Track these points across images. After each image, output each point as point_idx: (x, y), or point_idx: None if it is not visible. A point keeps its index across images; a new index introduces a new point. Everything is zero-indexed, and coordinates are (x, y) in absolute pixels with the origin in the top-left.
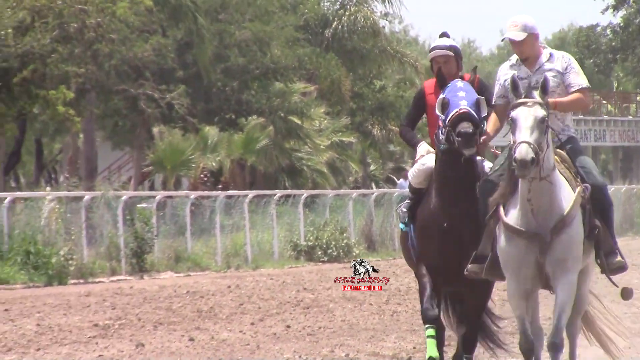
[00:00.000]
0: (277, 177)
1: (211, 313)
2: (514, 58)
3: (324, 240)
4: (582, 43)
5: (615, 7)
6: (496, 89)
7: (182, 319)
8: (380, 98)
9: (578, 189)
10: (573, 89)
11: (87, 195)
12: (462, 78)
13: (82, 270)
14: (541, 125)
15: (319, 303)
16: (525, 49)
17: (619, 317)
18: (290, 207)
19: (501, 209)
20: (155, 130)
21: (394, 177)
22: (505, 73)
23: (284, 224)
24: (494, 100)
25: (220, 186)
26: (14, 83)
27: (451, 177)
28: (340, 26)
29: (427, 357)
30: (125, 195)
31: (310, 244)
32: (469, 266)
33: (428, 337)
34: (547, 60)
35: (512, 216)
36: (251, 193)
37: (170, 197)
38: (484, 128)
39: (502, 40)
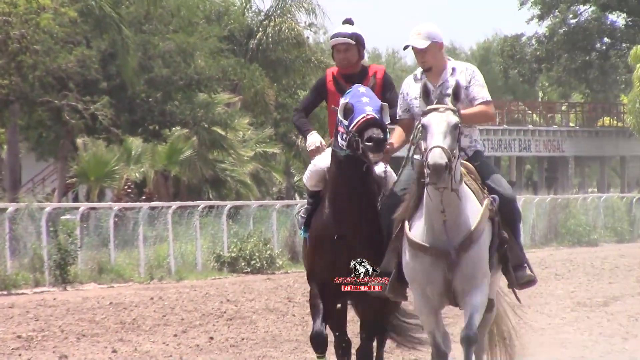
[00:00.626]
0: (201, 188)
1: (134, 325)
2: (419, 71)
3: (248, 252)
4: (506, 53)
5: (541, 17)
6: (400, 102)
7: (105, 331)
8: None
9: (486, 202)
10: (477, 102)
11: (11, 207)
12: (364, 67)
13: (5, 282)
14: (454, 131)
15: (242, 314)
16: (428, 58)
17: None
18: (214, 218)
19: (406, 224)
20: (79, 141)
21: None
22: (409, 86)
23: (207, 235)
24: (398, 115)
25: (144, 197)
26: None
27: (347, 185)
28: (264, 37)
29: None
30: (49, 206)
31: (233, 255)
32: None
33: None
34: (451, 75)
35: (417, 232)
36: (175, 204)
37: (94, 208)
38: (388, 136)
39: (405, 48)
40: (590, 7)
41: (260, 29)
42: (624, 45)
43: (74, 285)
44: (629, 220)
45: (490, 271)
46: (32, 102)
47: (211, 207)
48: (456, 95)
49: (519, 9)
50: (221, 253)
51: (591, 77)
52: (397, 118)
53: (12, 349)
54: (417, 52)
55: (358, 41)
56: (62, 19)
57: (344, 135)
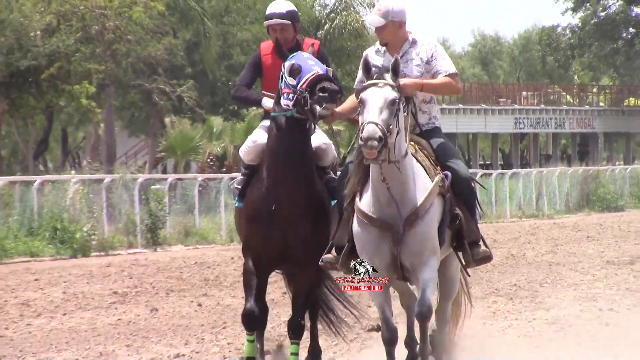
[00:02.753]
0: None
1: (217, 281)
2: (378, 44)
3: None
4: (544, 41)
5: (574, 9)
6: (359, 74)
7: (191, 287)
8: None
9: (436, 178)
10: (441, 75)
11: (107, 178)
12: (300, 42)
13: (102, 244)
14: (391, 107)
15: None
16: (384, 36)
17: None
18: None
19: (357, 195)
20: (167, 120)
21: None
22: (370, 57)
23: None
24: (355, 85)
25: (224, 169)
26: (42, 79)
27: (286, 153)
28: (330, 28)
29: (245, 357)
30: (140, 177)
31: None
32: (324, 256)
33: (247, 340)
34: (410, 47)
35: (365, 202)
36: None
37: (180, 179)
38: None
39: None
40: (618, 1)
41: (327, 20)
42: None
43: (163, 246)
44: None
45: (445, 245)
46: (126, 86)
47: None
48: (395, 70)
49: (555, 2)
50: None
51: (618, 63)
52: (354, 87)
53: (109, 303)
54: (376, 30)
55: (293, 17)
56: (151, 12)
57: (290, 95)
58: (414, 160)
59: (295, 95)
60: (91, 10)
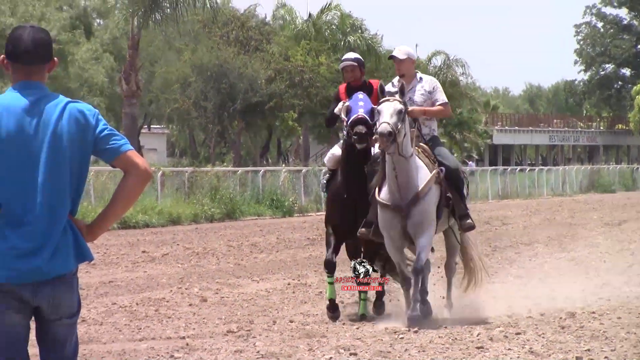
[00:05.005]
0: None
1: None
2: (396, 80)
3: None
4: (567, 89)
5: (585, 70)
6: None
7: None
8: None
9: (434, 171)
10: (438, 103)
11: (304, 169)
12: (367, 81)
13: (301, 209)
14: (399, 114)
15: None
16: (402, 68)
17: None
18: None
19: (376, 189)
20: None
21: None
22: (393, 84)
23: None
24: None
25: None
26: (266, 109)
27: (350, 163)
28: (439, 79)
29: (327, 298)
30: (324, 168)
31: None
32: (360, 230)
33: (328, 283)
34: (417, 82)
35: (383, 193)
36: None
37: None
38: (375, 130)
39: (389, 58)
40: (611, 65)
41: (437, 75)
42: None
43: None
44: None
45: (441, 219)
46: (315, 114)
47: None
48: (401, 91)
49: (574, 65)
50: None
51: (611, 102)
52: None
53: (305, 245)
54: (397, 61)
55: (359, 63)
56: (331, 68)
57: (345, 128)
58: (417, 159)
59: (347, 130)
60: (295, 67)
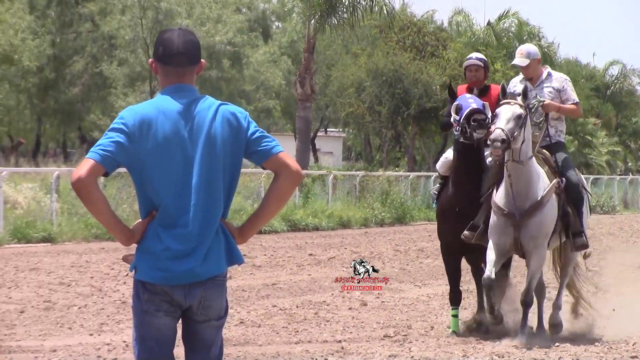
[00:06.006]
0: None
1: None
2: (518, 79)
3: None
4: None
5: None
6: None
7: None
8: (635, 127)
9: (554, 181)
10: (569, 102)
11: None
12: (488, 86)
13: None
14: (517, 120)
15: None
16: (529, 72)
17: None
18: None
19: (494, 190)
20: None
21: None
22: (514, 84)
23: None
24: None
25: None
26: (440, 114)
27: (463, 167)
28: (616, 89)
29: (451, 330)
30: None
31: None
32: (465, 232)
33: (452, 316)
34: (546, 79)
35: (498, 196)
36: None
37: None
38: (490, 123)
39: (512, 66)
40: None
41: (611, 84)
42: None
43: None
44: None
45: (553, 235)
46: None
47: None
48: (525, 94)
49: None
50: None
51: None
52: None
53: None
54: (521, 68)
55: (485, 65)
56: (506, 76)
57: (457, 127)
58: (537, 165)
59: (460, 127)
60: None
